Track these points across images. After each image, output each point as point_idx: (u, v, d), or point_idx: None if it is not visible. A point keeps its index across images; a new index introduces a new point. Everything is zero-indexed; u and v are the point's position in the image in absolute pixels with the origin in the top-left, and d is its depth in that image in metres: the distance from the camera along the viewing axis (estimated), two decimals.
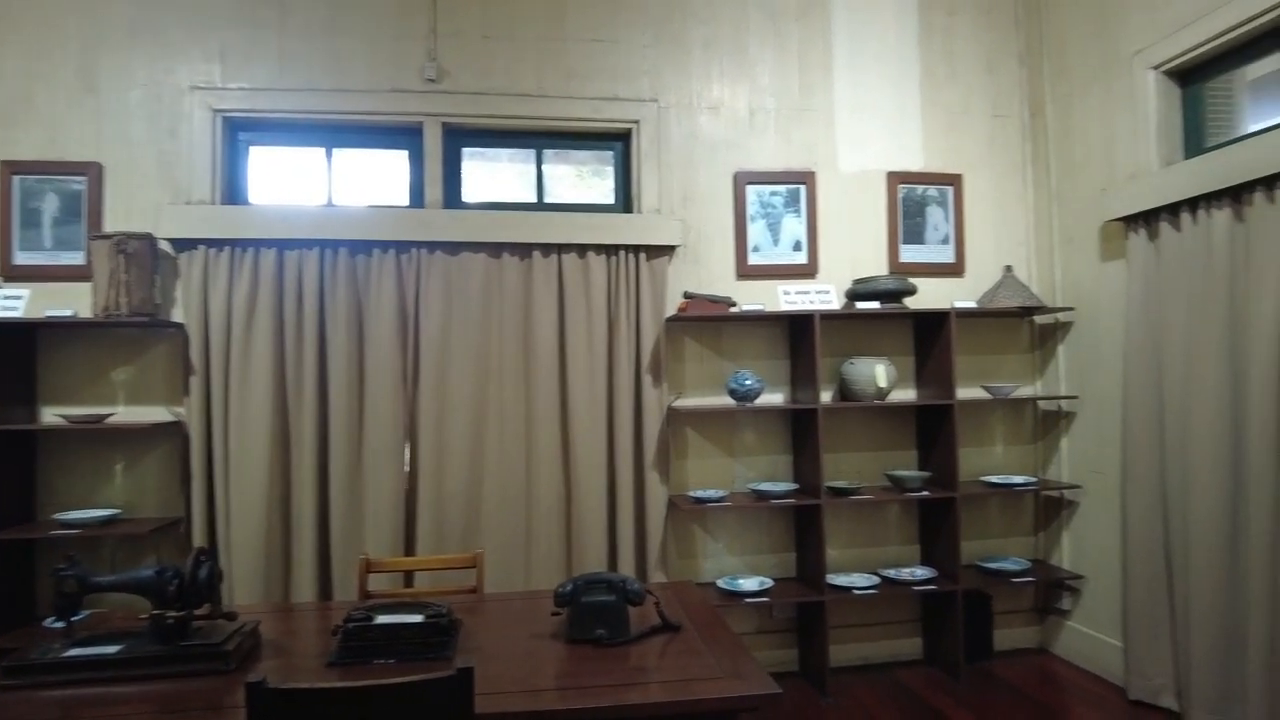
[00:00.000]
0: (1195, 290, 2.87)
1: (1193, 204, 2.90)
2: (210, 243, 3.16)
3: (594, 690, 1.57)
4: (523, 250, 3.39)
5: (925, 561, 3.67)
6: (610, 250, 3.43)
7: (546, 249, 3.39)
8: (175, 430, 3.21)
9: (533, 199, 3.65)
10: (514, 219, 3.35)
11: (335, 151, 3.51)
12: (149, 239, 3.12)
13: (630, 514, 3.36)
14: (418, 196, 3.50)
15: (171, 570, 1.77)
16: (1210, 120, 3.11)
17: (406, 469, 3.30)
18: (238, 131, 3.43)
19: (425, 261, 3.31)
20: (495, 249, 3.38)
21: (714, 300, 3.41)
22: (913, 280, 3.66)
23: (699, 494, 3.36)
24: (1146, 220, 3.11)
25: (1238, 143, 2.80)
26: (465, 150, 3.60)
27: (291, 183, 3.51)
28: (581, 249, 3.41)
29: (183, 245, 3.18)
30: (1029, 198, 3.91)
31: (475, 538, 3.29)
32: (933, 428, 3.59)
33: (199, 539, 3.10)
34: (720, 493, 3.41)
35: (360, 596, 2.45)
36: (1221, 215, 2.76)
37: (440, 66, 3.43)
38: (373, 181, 3.57)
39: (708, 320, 3.56)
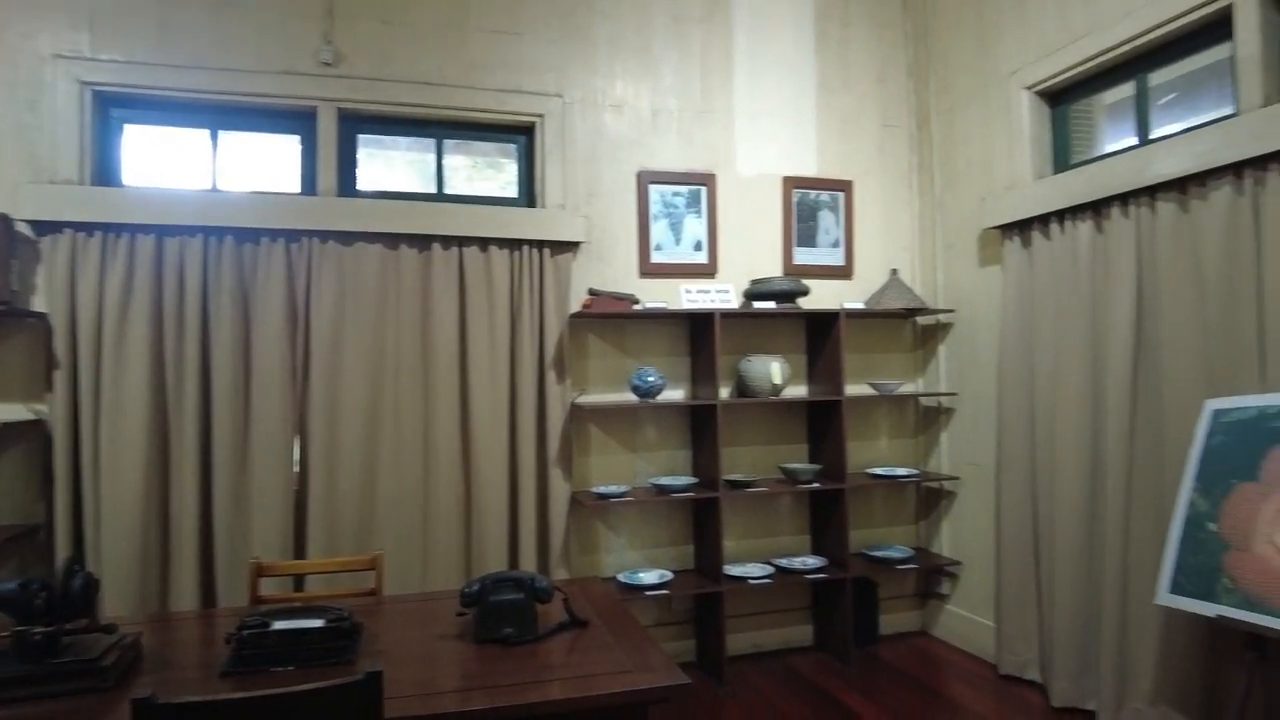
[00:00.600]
0: (1062, 294, 3.11)
1: (1060, 215, 3.14)
2: (78, 226, 2.92)
3: (505, 689, 1.57)
4: (421, 242, 3.31)
5: (816, 551, 3.82)
6: (513, 245, 3.39)
7: (447, 241, 3.33)
8: (35, 430, 2.95)
9: (432, 190, 3.56)
10: (412, 209, 3.26)
11: (221, 134, 3.32)
12: (4, 220, 2.86)
13: (532, 511, 3.35)
14: (310, 184, 3.36)
15: (38, 582, 1.63)
16: (1075, 138, 3.37)
17: (296, 468, 3.16)
18: (110, 107, 3.18)
19: (317, 251, 3.18)
20: (392, 240, 3.28)
21: (618, 297, 3.43)
22: (806, 281, 3.80)
23: (602, 490, 3.38)
24: (1020, 229, 3.35)
25: (1097, 161, 3.05)
26: (361, 137, 3.47)
27: (172, 165, 3.29)
28: (484, 242, 3.36)
29: (45, 228, 2.93)
30: (914, 205, 4.12)
31: (370, 539, 3.19)
32: (823, 422, 3.74)
33: (63, 547, 2.87)
34: (622, 488, 3.44)
35: (251, 602, 2.34)
36: (1085, 226, 3.01)
37: (336, 50, 3.29)
38: (261, 167, 3.40)
39: (612, 317, 3.58)
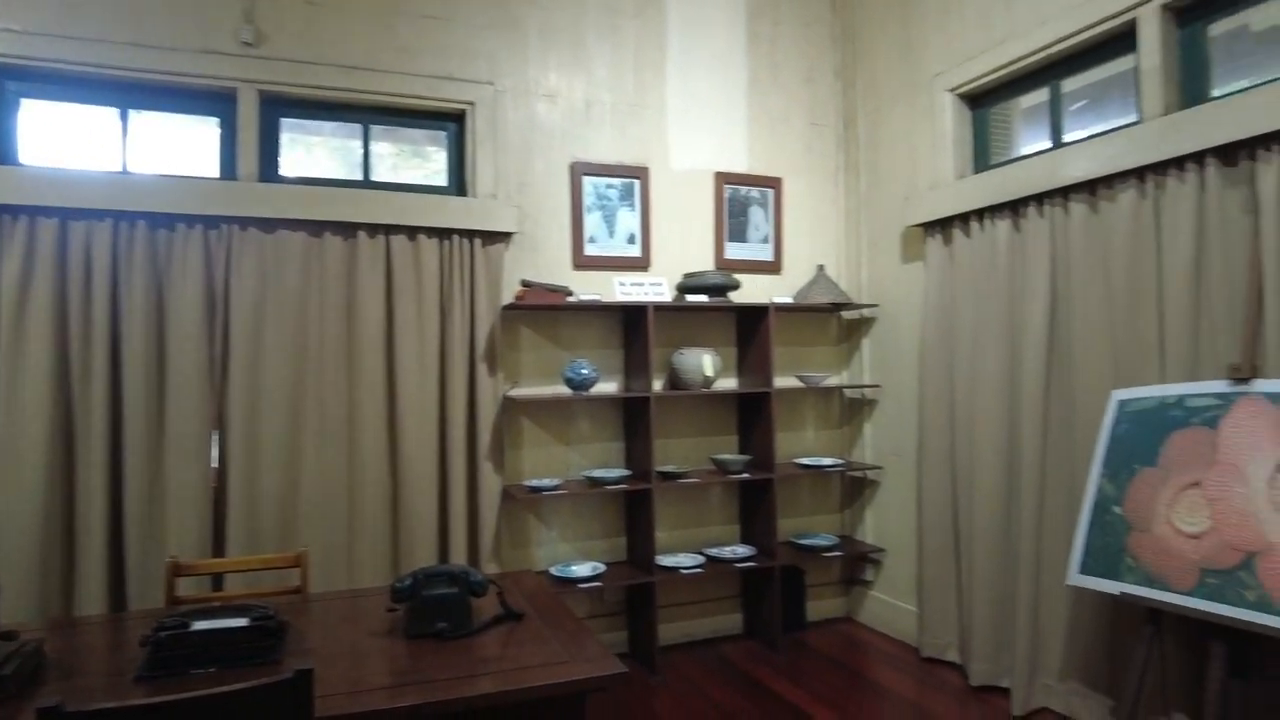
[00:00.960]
0: (981, 290, 3.24)
1: (980, 214, 3.26)
2: None
3: (439, 684, 1.54)
4: (347, 230, 3.22)
5: (745, 540, 3.89)
6: (443, 234, 3.33)
7: (374, 229, 3.24)
8: None
9: (358, 177, 3.46)
10: (338, 196, 3.17)
11: (132, 113, 3.15)
12: None
13: (463, 506, 3.30)
14: (229, 168, 3.22)
15: None
16: (995, 140, 3.51)
17: (215, 465, 3.04)
18: (5, 81, 2.98)
19: (237, 239, 3.06)
20: (316, 228, 3.18)
21: (552, 289, 3.41)
22: (736, 276, 3.85)
23: (534, 483, 3.36)
24: (942, 227, 3.47)
25: (1015, 162, 3.18)
26: (285, 121, 3.35)
27: (78, 145, 3.11)
28: (412, 231, 3.29)
29: None
30: (841, 202, 4.22)
31: (294, 536, 3.10)
32: (753, 414, 3.80)
33: None
34: (555, 481, 3.43)
35: (167, 604, 2.24)
36: (1003, 225, 3.13)
37: (258, 30, 3.16)
38: (177, 150, 3.24)
39: (545, 309, 3.55)
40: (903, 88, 3.80)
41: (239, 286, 3.04)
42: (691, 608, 3.83)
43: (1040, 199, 2.99)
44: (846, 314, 4.19)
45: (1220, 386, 2.24)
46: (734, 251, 3.98)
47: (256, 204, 3.06)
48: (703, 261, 3.91)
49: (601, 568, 3.46)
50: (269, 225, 3.11)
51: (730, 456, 3.64)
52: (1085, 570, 2.43)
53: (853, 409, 4.16)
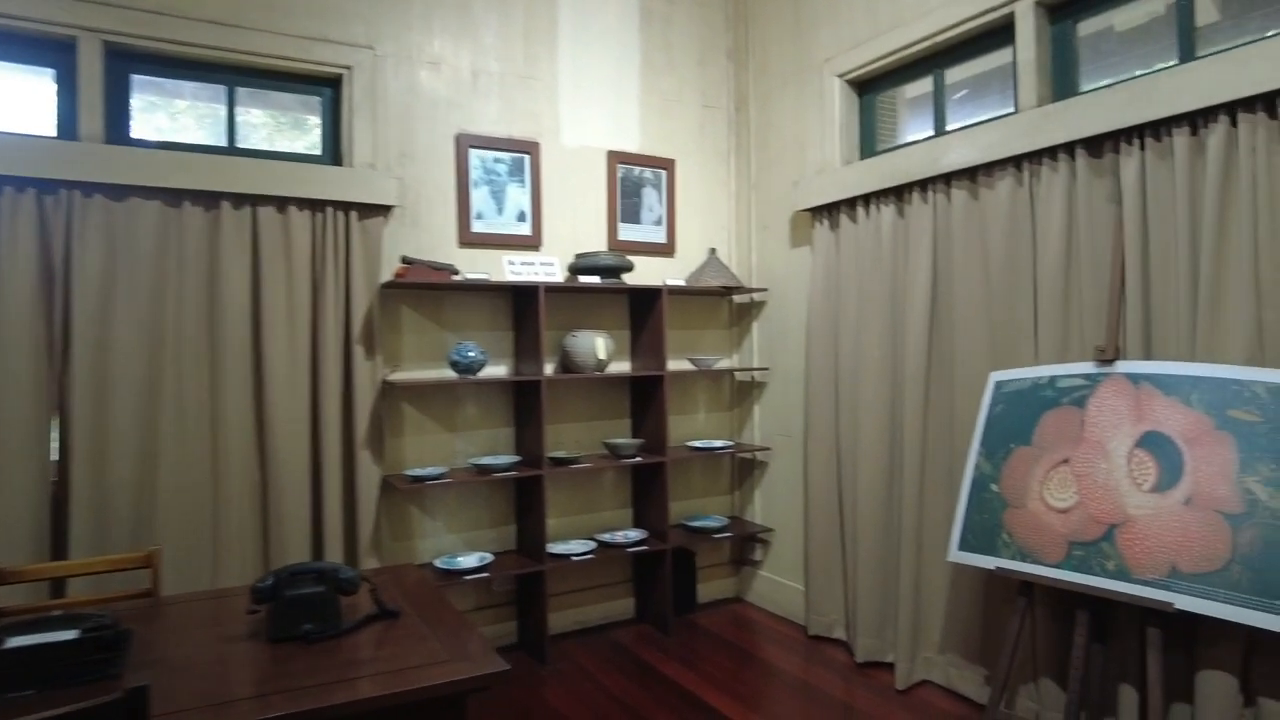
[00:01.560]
0: (865, 274, 3.30)
1: (866, 199, 3.32)
2: None
3: (307, 691, 1.41)
4: (209, 200, 2.96)
5: (638, 524, 3.86)
6: (316, 206, 3.11)
7: (239, 200, 2.99)
8: None
9: (223, 144, 3.18)
10: (198, 162, 2.90)
11: None
12: None
13: (338, 498, 3.11)
14: (69, 127, 2.88)
15: None
16: (882, 126, 3.58)
17: (55, 458, 2.74)
18: None
19: (80, 207, 2.74)
20: (174, 196, 2.90)
21: (435, 267, 3.25)
22: (630, 257, 3.79)
23: (416, 472, 3.21)
24: (829, 212, 3.51)
25: (900, 149, 3.25)
26: (137, 79, 3.03)
27: None
28: (282, 202, 3.05)
29: None
30: (732, 185, 4.23)
31: (149, 533, 2.83)
32: (646, 397, 3.77)
33: None
34: (439, 469, 3.28)
35: None
36: (888, 210, 3.20)
37: None
38: (2, 104, 2.88)
39: (428, 288, 3.39)
40: (794, 72, 3.82)
41: (83, 259, 2.74)
42: (583, 594, 3.77)
43: (924, 185, 3.06)
44: (737, 297, 4.21)
45: (1088, 368, 2.34)
46: (627, 233, 3.91)
47: (101, 168, 2.75)
48: (595, 242, 3.82)
49: (490, 558, 3.35)
50: (118, 192, 2.81)
51: (623, 440, 3.59)
52: (964, 547, 2.52)
53: (743, 391, 4.19)
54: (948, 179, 2.97)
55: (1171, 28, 2.48)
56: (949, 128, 3.19)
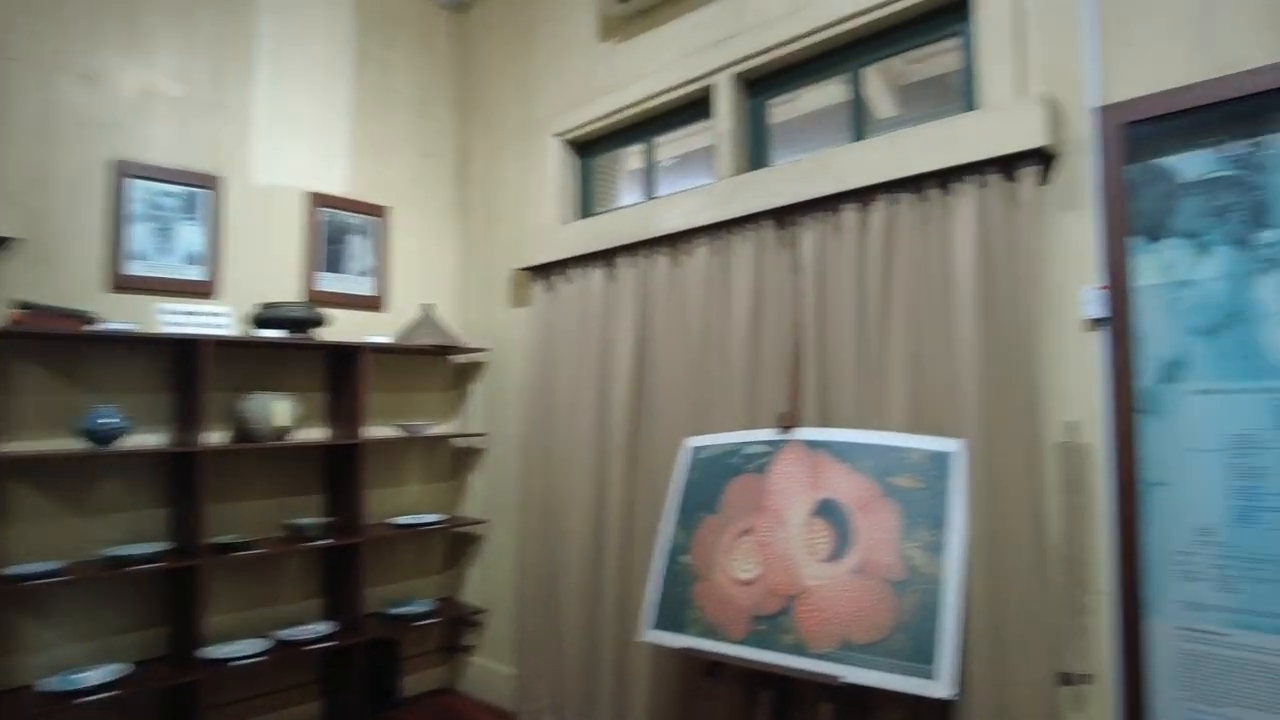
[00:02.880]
0: (578, 338, 3.18)
1: (582, 260, 3.22)
2: None
3: None
4: None
5: (329, 615, 3.37)
6: None
7: None
8: None
9: None
10: None
11: None
12: None
13: None
14: None
15: None
16: (601, 189, 3.54)
17: None
18: None
19: None
20: None
21: (65, 314, 2.67)
22: (332, 311, 3.41)
23: (23, 569, 2.54)
24: (548, 272, 3.38)
25: (611, 213, 3.20)
26: None
27: None
28: None
29: None
30: (454, 240, 4.00)
31: None
32: (343, 469, 3.35)
33: None
34: (58, 564, 2.64)
35: None
36: (600, 273, 3.12)
37: None
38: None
39: (55, 339, 2.77)
40: (517, 128, 3.71)
41: None
42: (258, 703, 3.20)
43: (633, 249, 3.02)
44: (457, 358, 3.94)
45: (770, 434, 2.33)
46: (329, 283, 3.52)
47: None
48: (288, 291, 3.39)
49: (127, 669, 2.72)
50: None
51: (309, 520, 3.13)
52: (658, 624, 2.37)
53: (461, 459, 3.90)
54: (654, 244, 2.94)
55: (850, 112, 2.63)
56: (660, 193, 3.19)
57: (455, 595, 3.83)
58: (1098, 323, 1.96)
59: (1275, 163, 1.73)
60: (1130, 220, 1.92)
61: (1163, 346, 1.85)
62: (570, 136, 3.45)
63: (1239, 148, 1.78)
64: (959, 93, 2.38)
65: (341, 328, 3.50)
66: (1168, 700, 1.80)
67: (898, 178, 2.24)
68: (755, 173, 2.61)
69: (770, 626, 2.09)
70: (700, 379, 2.74)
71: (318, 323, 3.21)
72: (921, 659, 1.87)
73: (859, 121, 2.60)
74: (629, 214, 3.02)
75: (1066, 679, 1.94)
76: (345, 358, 3.36)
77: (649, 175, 3.28)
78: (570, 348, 3.20)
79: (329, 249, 3.54)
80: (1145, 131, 1.90)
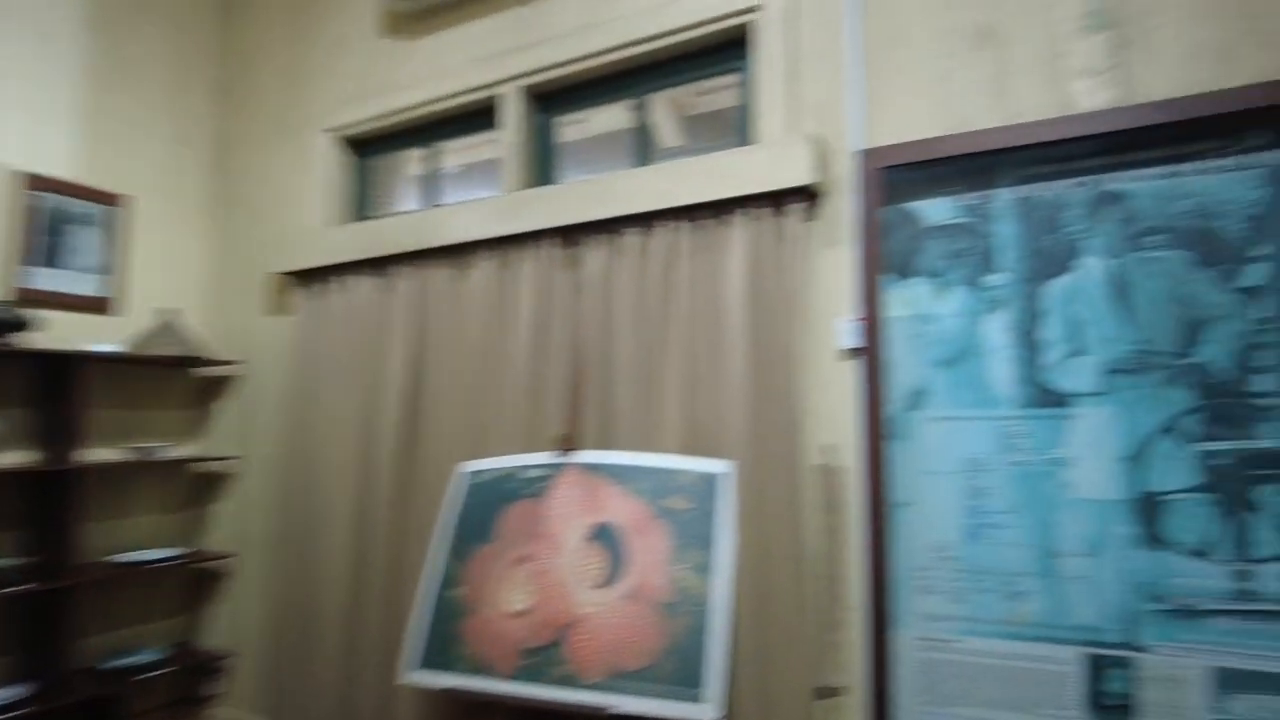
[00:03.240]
0: (345, 351, 2.93)
1: (353, 267, 2.98)
2: None
3: None
4: None
5: (31, 675, 2.83)
6: None
7: None
8: None
9: None
10: None
11: None
12: None
13: None
14: None
15: None
16: (379, 193, 3.31)
17: None
18: None
19: None
20: None
21: None
22: (48, 313, 2.91)
23: None
24: (314, 277, 3.10)
25: (389, 219, 2.98)
26: None
27: None
28: None
29: None
30: (209, 239, 3.57)
31: None
32: (52, 500, 2.84)
33: None
34: None
35: None
36: (373, 282, 2.90)
37: None
38: None
39: None
40: (286, 120, 3.39)
41: None
42: None
43: (411, 259, 2.84)
44: (203, 371, 3.50)
45: (550, 458, 2.26)
46: (45, 280, 2.99)
47: None
48: None
49: None
50: None
51: (1, 562, 2.62)
52: (424, 663, 2.21)
53: (206, 486, 3.46)
54: (435, 255, 2.78)
55: (637, 138, 2.64)
56: (446, 202, 3.04)
57: (194, 640, 3.37)
58: (853, 352, 2.09)
59: (1000, 214, 1.93)
60: (883, 258, 2.06)
61: (908, 376, 2.00)
62: (346, 134, 3.21)
63: (972, 198, 1.97)
64: (737, 128, 2.47)
65: (60, 332, 2.99)
66: (909, 705, 1.92)
67: (678, 205, 2.27)
68: (542, 189, 2.55)
69: (542, 659, 2.01)
70: (480, 399, 2.61)
71: (20, 326, 2.71)
72: (690, 682, 1.87)
73: (645, 148, 2.63)
74: (408, 221, 2.84)
75: (823, 692, 2.03)
76: (60, 368, 2.87)
77: (432, 183, 3.12)
78: (336, 362, 2.95)
79: (48, 240, 3.02)
80: (898, 177, 2.06)
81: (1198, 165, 1.72)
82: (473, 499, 2.33)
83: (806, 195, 2.15)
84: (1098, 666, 1.72)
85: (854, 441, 2.07)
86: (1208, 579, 1.63)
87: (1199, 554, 1.65)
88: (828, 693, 2.03)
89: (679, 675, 1.87)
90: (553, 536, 2.13)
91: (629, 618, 1.98)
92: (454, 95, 2.90)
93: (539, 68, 2.71)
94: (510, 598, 2.11)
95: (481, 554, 2.23)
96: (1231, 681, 1.61)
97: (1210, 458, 1.65)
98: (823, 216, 2.18)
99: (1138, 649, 1.69)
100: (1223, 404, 1.65)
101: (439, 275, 2.75)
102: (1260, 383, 1.63)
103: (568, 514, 2.14)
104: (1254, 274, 1.66)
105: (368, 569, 2.73)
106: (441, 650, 2.17)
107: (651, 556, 2.02)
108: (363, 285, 2.94)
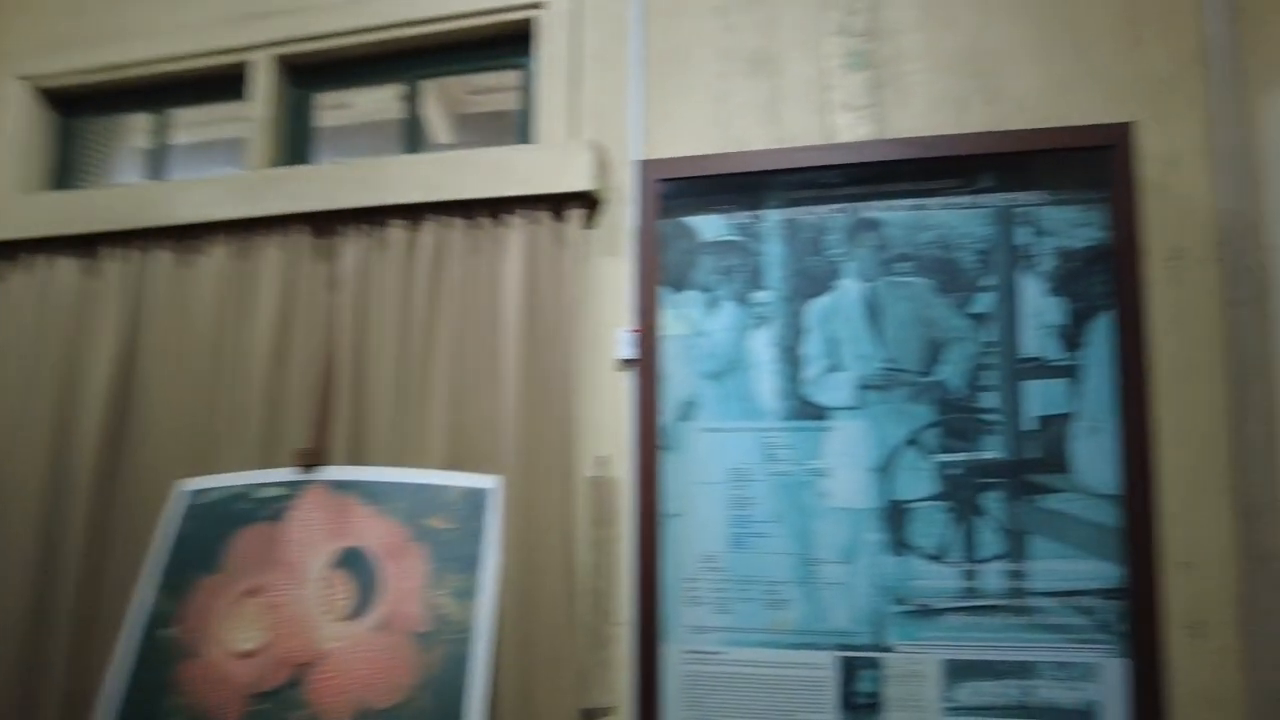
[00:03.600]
0: (35, 341, 2.42)
1: (51, 244, 2.47)
2: None
3: None
4: None
5: None
6: None
7: None
8: None
9: None
10: None
11: None
12: None
13: None
14: None
15: None
16: (90, 162, 2.80)
17: None
18: None
19: None
20: None
21: None
22: None
23: None
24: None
25: (101, 190, 2.51)
26: None
27: None
28: None
29: None
30: None
31: None
32: None
33: None
34: None
35: None
36: (75, 262, 2.42)
37: None
38: None
39: None
40: None
41: None
42: None
43: (128, 239, 2.40)
44: None
45: (291, 474, 2.00)
46: None
47: None
48: None
49: None
50: None
51: None
52: (126, 715, 1.85)
53: None
54: (157, 236, 2.37)
55: (405, 128, 2.45)
56: (176, 176, 2.63)
57: None
58: (629, 363, 2.05)
59: (768, 234, 2.00)
60: (660, 270, 2.05)
61: (681, 388, 2.00)
62: (47, 85, 2.68)
63: (744, 217, 2.02)
64: (517, 129, 2.37)
65: None
66: None
67: (450, 199, 2.11)
68: (293, 168, 2.27)
69: (275, 704, 1.75)
70: (209, 406, 2.25)
71: None
72: (447, 716, 1.71)
73: (414, 141, 2.44)
74: (124, 193, 2.40)
75: (590, 714, 1.95)
76: None
77: (162, 157, 2.69)
78: (19, 358, 2.42)
79: None
80: (676, 190, 2.06)
81: (940, 200, 1.89)
82: (194, 522, 2.00)
83: (587, 201, 2.10)
84: (850, 668, 1.81)
85: (628, 452, 2.04)
86: (942, 580, 1.78)
87: (935, 557, 1.79)
88: (595, 714, 1.96)
89: (435, 710, 1.71)
90: (292, 564, 1.87)
91: (379, 651, 1.78)
92: (193, 56, 2.51)
93: (297, 36, 2.43)
94: (238, 636, 1.82)
95: (204, 586, 1.91)
96: (959, 672, 1.75)
97: (946, 468, 1.81)
98: (602, 225, 2.14)
99: (884, 649, 1.79)
100: (956, 419, 1.81)
101: (162, 259, 2.35)
102: (986, 399, 1.81)
103: (310, 539, 1.89)
104: (983, 302, 1.85)
105: (54, 608, 2.24)
106: (148, 702, 1.82)
107: (407, 582, 1.83)
108: (62, 266, 2.44)
